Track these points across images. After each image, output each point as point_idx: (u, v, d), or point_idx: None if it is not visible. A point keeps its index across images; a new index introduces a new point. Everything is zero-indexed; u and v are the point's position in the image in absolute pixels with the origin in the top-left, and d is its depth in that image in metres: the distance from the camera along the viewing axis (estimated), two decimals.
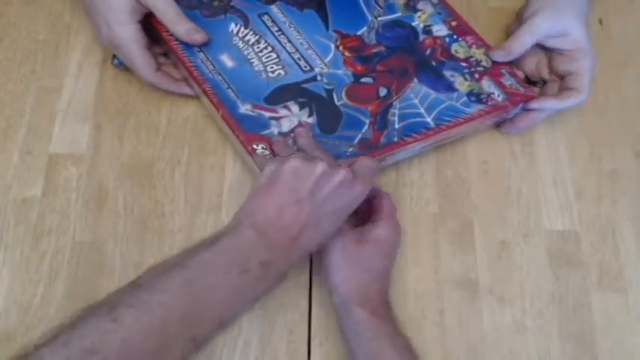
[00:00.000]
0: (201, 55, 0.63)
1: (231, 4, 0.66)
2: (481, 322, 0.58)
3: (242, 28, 0.65)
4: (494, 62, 0.65)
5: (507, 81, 0.64)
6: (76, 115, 0.66)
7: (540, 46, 0.64)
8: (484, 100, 0.63)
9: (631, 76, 0.69)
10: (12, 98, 0.66)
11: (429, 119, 0.61)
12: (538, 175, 0.64)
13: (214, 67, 0.62)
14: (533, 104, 0.62)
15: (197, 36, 0.62)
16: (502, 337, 0.58)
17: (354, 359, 0.52)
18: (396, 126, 0.61)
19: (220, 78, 0.62)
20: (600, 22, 0.72)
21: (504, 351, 0.57)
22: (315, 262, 0.60)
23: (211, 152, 0.64)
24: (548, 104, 0.62)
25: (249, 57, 0.63)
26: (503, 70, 0.64)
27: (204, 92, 0.61)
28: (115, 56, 0.65)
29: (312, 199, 0.50)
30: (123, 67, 0.65)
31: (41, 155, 0.64)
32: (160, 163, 0.64)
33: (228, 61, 0.63)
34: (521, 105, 0.63)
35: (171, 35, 0.63)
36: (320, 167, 0.51)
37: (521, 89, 0.63)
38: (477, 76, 0.64)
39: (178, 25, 0.62)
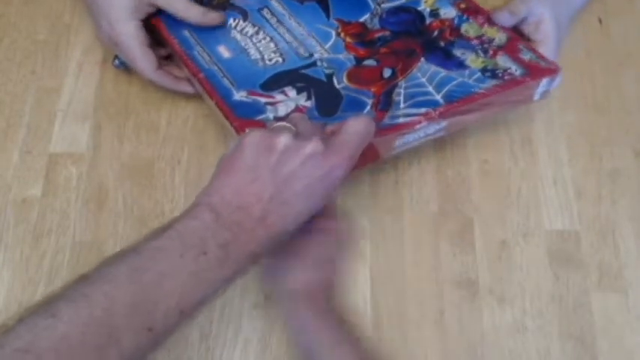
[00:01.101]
0: (198, 47, 0.63)
1: (231, 1, 0.66)
2: (481, 322, 0.58)
3: (240, 22, 0.65)
4: (507, 39, 0.62)
5: (525, 55, 0.61)
6: (76, 115, 0.66)
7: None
8: (500, 75, 0.59)
9: (631, 76, 0.69)
10: (12, 98, 0.66)
11: (438, 97, 0.57)
12: (538, 175, 0.64)
13: (210, 58, 0.62)
14: None
15: (213, 15, 0.63)
16: (502, 337, 0.58)
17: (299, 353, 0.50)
18: (401, 105, 0.57)
19: (216, 68, 0.61)
20: (600, 21, 0.72)
21: (504, 351, 0.57)
22: None
23: (211, 152, 0.64)
24: None
25: (246, 47, 0.63)
26: (520, 45, 0.61)
27: (199, 81, 0.60)
28: (116, 57, 0.65)
29: (273, 176, 0.46)
30: (124, 67, 0.65)
31: (41, 155, 0.64)
32: (160, 163, 0.64)
33: (224, 52, 0.63)
34: (545, 81, 0.59)
35: (170, 33, 0.63)
36: (283, 140, 0.46)
37: (542, 63, 0.60)
38: (490, 52, 0.61)
39: (190, 11, 0.62)
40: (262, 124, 0.56)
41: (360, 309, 0.58)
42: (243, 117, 0.57)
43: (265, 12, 0.66)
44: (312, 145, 0.46)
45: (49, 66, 0.68)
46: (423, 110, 0.56)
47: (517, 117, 0.66)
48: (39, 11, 0.71)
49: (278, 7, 0.66)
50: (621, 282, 0.60)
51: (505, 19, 0.64)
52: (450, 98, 0.57)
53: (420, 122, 0.55)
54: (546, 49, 0.63)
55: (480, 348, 0.57)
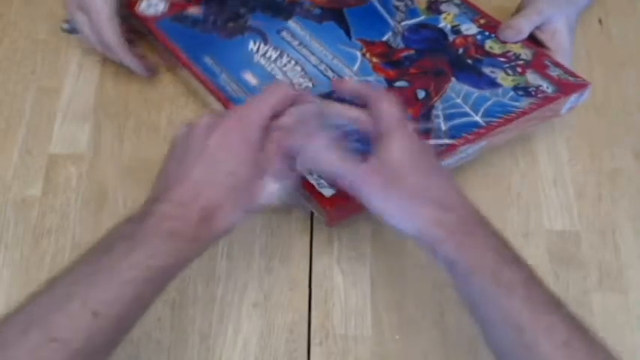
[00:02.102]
0: (224, 75, 0.62)
1: (248, 23, 0.66)
2: None
3: (262, 45, 0.64)
4: (533, 54, 0.62)
5: (553, 72, 0.61)
6: (75, 115, 0.66)
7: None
8: (533, 93, 0.59)
9: (631, 76, 0.69)
10: (12, 98, 0.66)
11: (477, 118, 0.58)
12: (538, 175, 0.64)
13: (238, 86, 0.61)
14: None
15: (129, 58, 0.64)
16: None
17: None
18: (443, 128, 0.57)
19: (245, 97, 0.60)
20: (600, 21, 0.72)
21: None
22: (315, 262, 0.60)
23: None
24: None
25: (272, 72, 0.62)
26: (546, 62, 0.62)
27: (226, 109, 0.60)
28: (66, 21, 0.65)
29: (197, 158, 0.47)
30: (74, 32, 0.65)
31: (41, 155, 0.64)
32: (160, 163, 0.64)
33: (251, 79, 0.61)
34: (573, 97, 0.60)
35: (190, 59, 0.62)
36: (203, 120, 0.48)
37: (571, 79, 0.61)
38: (519, 70, 0.61)
39: None
40: None
41: (360, 309, 0.58)
42: None
43: (285, 34, 0.65)
44: (204, 120, 0.48)
45: (49, 66, 0.68)
46: (465, 133, 0.57)
47: None
48: (39, 11, 0.71)
49: (297, 29, 0.65)
50: (621, 282, 0.60)
51: (510, 35, 0.64)
52: (489, 118, 0.58)
53: (463, 144, 0.56)
54: (562, 57, 0.63)
55: (480, 348, 0.57)
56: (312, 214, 0.62)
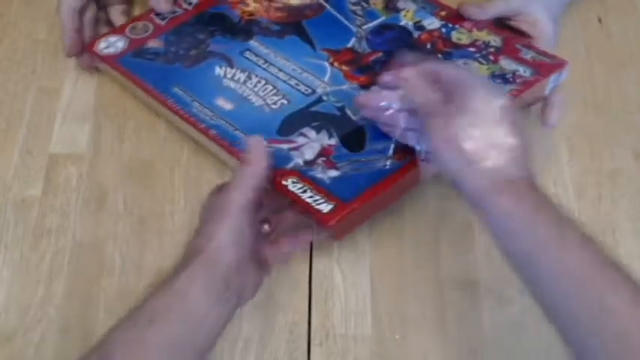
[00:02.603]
0: (196, 104, 0.61)
1: (209, 49, 0.65)
2: (481, 322, 0.58)
3: (228, 69, 0.63)
4: (502, 40, 0.62)
5: (527, 55, 0.61)
6: (75, 115, 0.66)
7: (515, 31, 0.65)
8: (511, 79, 0.59)
9: (631, 76, 0.69)
10: (12, 98, 0.67)
11: None
12: (538, 175, 0.64)
13: (213, 112, 0.60)
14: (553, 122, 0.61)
15: (163, 4, 0.66)
16: (502, 337, 0.58)
17: (509, 260, 0.45)
18: None
19: (223, 122, 0.59)
20: (600, 20, 0.72)
21: (504, 351, 0.57)
22: (315, 262, 0.60)
23: (211, 153, 0.64)
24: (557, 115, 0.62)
25: (244, 95, 0.61)
26: (517, 46, 0.62)
27: (213, 140, 0.59)
28: None
29: None
30: None
31: (41, 155, 0.64)
32: (160, 163, 0.64)
33: (225, 104, 0.61)
34: (553, 76, 0.59)
35: (157, 91, 0.62)
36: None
37: (547, 59, 0.60)
38: (491, 57, 0.61)
39: None
40: (297, 174, 0.55)
41: (360, 309, 0.58)
42: (279, 168, 0.55)
43: (249, 54, 0.64)
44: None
45: (49, 66, 0.68)
46: None
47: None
48: (39, 11, 0.71)
49: (260, 48, 0.65)
50: None
51: (473, 12, 0.64)
52: None
53: None
54: (545, 44, 0.63)
55: (479, 348, 0.57)
56: None
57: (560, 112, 0.61)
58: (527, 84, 0.59)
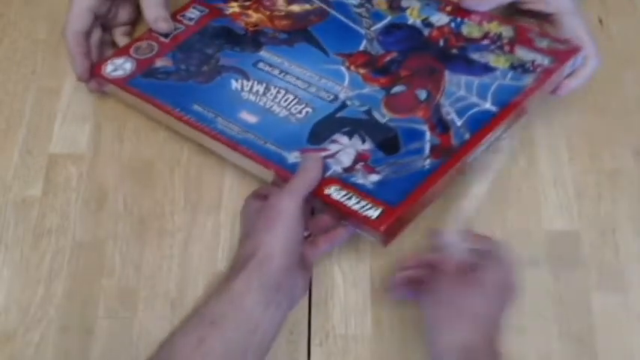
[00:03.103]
0: (219, 120, 0.59)
1: (220, 64, 0.64)
2: None
3: (244, 82, 0.62)
4: (514, 30, 0.62)
5: (541, 43, 0.61)
6: (75, 115, 0.66)
7: (531, 14, 0.64)
8: (531, 68, 0.59)
9: (631, 76, 0.69)
10: (12, 98, 0.67)
11: (487, 105, 0.57)
12: (538, 175, 0.64)
13: (239, 127, 0.59)
14: (562, 92, 0.62)
15: (163, 24, 0.64)
16: (502, 338, 0.57)
17: None
18: (459, 123, 0.57)
19: (251, 136, 0.58)
20: (600, 21, 0.72)
21: (504, 351, 0.57)
22: (315, 262, 0.60)
23: (211, 153, 0.64)
24: (573, 86, 0.62)
25: (267, 106, 0.60)
26: (530, 35, 0.61)
27: (245, 154, 0.57)
28: None
29: None
30: None
31: (41, 155, 0.64)
32: (160, 163, 0.64)
33: (249, 118, 0.59)
34: (572, 61, 0.60)
35: (178, 111, 0.60)
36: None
37: (561, 46, 0.60)
38: (507, 49, 0.61)
39: (150, 9, 0.63)
40: (339, 181, 0.54)
41: (359, 309, 0.58)
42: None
43: (262, 65, 0.63)
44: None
45: (49, 66, 0.68)
46: (483, 122, 0.56)
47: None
48: (39, 11, 0.71)
49: (272, 58, 0.64)
50: (621, 282, 0.60)
51: (472, 3, 0.63)
52: (500, 103, 0.57)
53: (486, 134, 0.56)
54: (570, 19, 0.61)
55: None
56: (312, 213, 0.62)
57: (573, 87, 0.62)
58: (547, 72, 0.59)
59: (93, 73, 0.64)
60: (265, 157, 0.57)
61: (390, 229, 0.52)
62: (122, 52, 0.65)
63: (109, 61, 0.64)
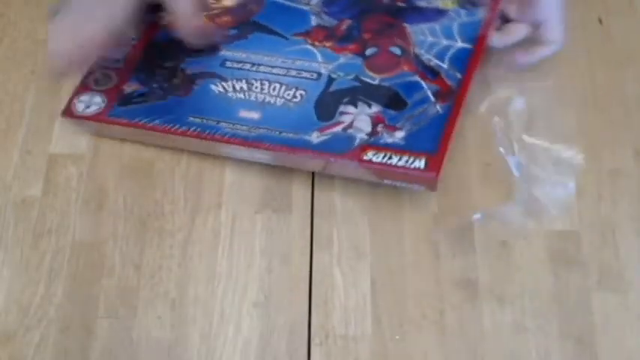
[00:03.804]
0: (224, 124, 0.59)
1: (188, 73, 0.63)
2: (481, 322, 0.58)
3: (223, 84, 0.62)
4: None
5: None
6: None
7: None
8: (478, 2, 0.62)
9: (631, 76, 0.69)
10: (12, 98, 0.66)
11: (460, 44, 0.61)
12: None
13: (247, 126, 0.59)
14: (518, 64, 0.63)
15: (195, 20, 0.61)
16: (502, 337, 0.58)
17: None
18: (445, 66, 0.60)
19: (264, 130, 0.58)
20: (600, 21, 0.72)
21: (504, 351, 0.57)
22: (315, 262, 0.60)
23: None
24: (526, 61, 0.62)
25: (260, 100, 0.61)
26: None
27: (269, 149, 0.58)
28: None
29: None
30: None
31: (41, 155, 0.64)
32: (160, 163, 0.64)
33: (251, 115, 0.60)
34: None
35: (180, 127, 0.60)
36: None
37: None
38: None
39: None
40: (371, 147, 0.56)
41: (360, 309, 0.58)
42: (351, 148, 0.56)
43: (230, 64, 0.63)
44: None
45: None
46: (465, 59, 0.60)
47: (517, 117, 0.66)
48: (39, 11, 0.71)
49: (235, 54, 0.64)
50: (621, 282, 0.60)
51: (499, 41, 0.63)
52: (470, 40, 0.61)
53: (475, 66, 0.60)
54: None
55: (479, 348, 0.57)
56: (312, 213, 0.62)
57: (526, 62, 0.63)
58: (495, 0, 0.62)
59: (66, 116, 0.63)
60: (290, 145, 0.57)
61: (439, 174, 0.54)
62: (82, 88, 0.64)
63: (74, 101, 0.63)
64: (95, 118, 0.62)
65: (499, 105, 0.64)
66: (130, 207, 0.62)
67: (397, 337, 0.57)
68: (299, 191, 0.63)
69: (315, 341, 0.57)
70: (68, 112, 0.63)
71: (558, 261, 0.60)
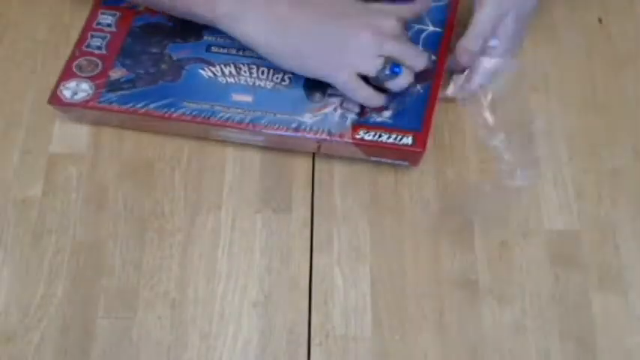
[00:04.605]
0: (218, 108, 0.60)
1: (175, 58, 0.63)
2: (481, 322, 0.58)
3: (211, 68, 0.63)
4: None
5: None
6: None
7: None
8: None
9: (631, 76, 0.69)
10: (12, 98, 0.66)
11: (431, 27, 0.65)
12: (538, 175, 0.64)
13: (242, 108, 0.60)
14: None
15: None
16: (502, 337, 0.58)
17: None
18: (421, 49, 0.63)
19: (259, 113, 0.60)
20: (600, 20, 0.72)
21: (504, 351, 0.57)
22: (315, 262, 0.60)
23: (211, 152, 0.64)
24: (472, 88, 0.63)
25: (250, 84, 0.62)
26: None
27: (266, 131, 0.59)
28: None
29: None
30: None
31: (41, 155, 0.64)
32: (160, 163, 0.64)
33: (244, 98, 0.61)
34: None
35: (176, 112, 0.60)
36: None
37: None
38: None
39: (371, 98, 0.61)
40: (361, 126, 0.60)
41: (359, 309, 0.58)
42: (344, 128, 0.60)
43: (215, 49, 0.64)
44: None
45: (49, 66, 0.67)
46: (438, 44, 0.64)
47: (517, 116, 0.66)
48: (39, 11, 0.71)
49: (219, 39, 0.64)
50: (621, 282, 0.60)
51: (463, 60, 0.63)
52: (439, 24, 0.65)
53: (447, 53, 0.64)
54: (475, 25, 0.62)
55: (480, 348, 0.57)
56: (312, 213, 0.62)
57: (481, 78, 0.63)
58: None
59: (52, 103, 0.62)
60: (285, 126, 0.60)
61: (425, 149, 0.59)
62: (67, 75, 0.63)
63: (61, 87, 0.62)
64: (85, 105, 0.62)
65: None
66: (130, 207, 0.62)
67: (397, 337, 0.57)
68: (299, 191, 0.63)
69: (315, 341, 0.57)
70: (55, 99, 0.62)
71: (558, 261, 0.60)
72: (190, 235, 0.61)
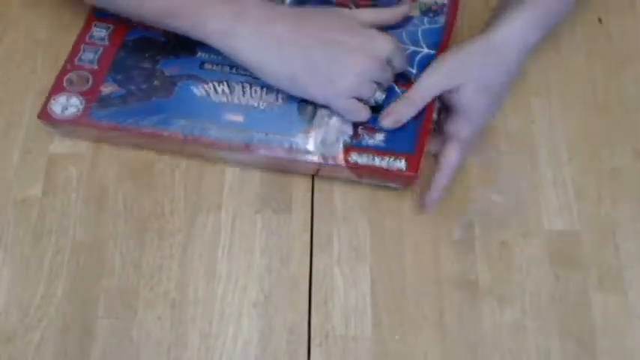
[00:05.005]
0: (210, 127, 0.59)
1: (167, 74, 0.62)
2: (481, 322, 0.58)
3: (205, 86, 0.61)
4: None
5: None
6: None
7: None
8: (439, 10, 0.65)
9: (631, 76, 0.69)
10: (12, 98, 0.66)
11: (426, 49, 0.63)
12: (538, 175, 0.64)
13: (232, 130, 0.59)
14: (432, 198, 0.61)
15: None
16: (502, 337, 0.58)
17: None
18: (414, 71, 0.61)
19: (255, 133, 0.59)
20: (600, 21, 0.72)
21: (504, 351, 0.57)
22: (315, 262, 0.60)
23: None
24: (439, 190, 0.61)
25: (244, 103, 0.61)
26: None
27: (258, 152, 0.59)
28: None
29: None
30: None
31: (41, 155, 0.64)
32: (160, 163, 0.64)
33: (236, 118, 0.60)
34: None
35: (167, 129, 0.59)
36: None
37: None
38: None
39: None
40: (354, 149, 0.59)
41: (359, 309, 0.58)
42: (336, 151, 0.59)
43: (208, 66, 0.62)
44: None
45: (49, 66, 0.67)
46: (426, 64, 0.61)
47: (517, 116, 0.66)
48: (39, 11, 0.71)
49: (212, 56, 0.63)
50: (621, 282, 0.60)
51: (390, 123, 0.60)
52: (434, 46, 0.63)
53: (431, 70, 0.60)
54: (464, 118, 0.59)
55: (480, 348, 0.57)
56: (312, 213, 0.62)
57: (439, 194, 0.60)
58: (453, 6, 0.65)
59: (43, 120, 0.61)
60: (278, 145, 0.59)
61: (418, 173, 0.58)
62: (56, 89, 0.62)
63: (51, 101, 0.61)
64: (76, 121, 0.60)
65: None
66: (130, 207, 0.62)
67: (397, 337, 0.57)
68: (299, 191, 0.63)
69: (315, 341, 0.57)
70: (44, 115, 0.61)
71: (558, 261, 0.60)
72: (190, 235, 0.61)
